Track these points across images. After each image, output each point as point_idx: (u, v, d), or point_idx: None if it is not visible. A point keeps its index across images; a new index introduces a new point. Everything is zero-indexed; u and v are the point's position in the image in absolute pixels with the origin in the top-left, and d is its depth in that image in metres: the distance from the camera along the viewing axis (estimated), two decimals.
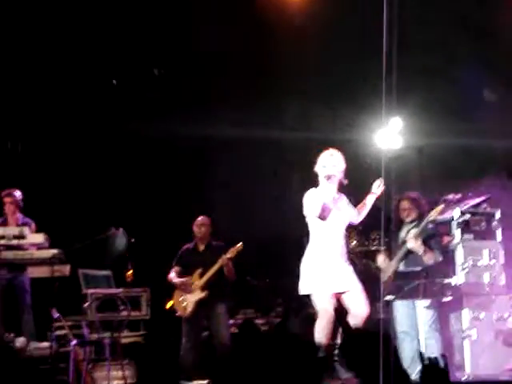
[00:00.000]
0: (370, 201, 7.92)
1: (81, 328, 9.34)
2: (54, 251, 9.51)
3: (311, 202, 7.54)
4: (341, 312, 7.74)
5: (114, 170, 11.60)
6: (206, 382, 8.92)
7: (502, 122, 10.75)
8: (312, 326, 7.58)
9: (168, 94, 11.71)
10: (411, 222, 8.53)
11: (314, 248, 7.63)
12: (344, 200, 7.72)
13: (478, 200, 8.97)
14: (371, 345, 7.27)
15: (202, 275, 9.34)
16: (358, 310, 7.52)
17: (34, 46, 10.99)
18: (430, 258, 8.27)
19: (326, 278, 7.48)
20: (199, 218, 9.60)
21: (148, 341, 9.86)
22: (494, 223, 8.54)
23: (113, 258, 10.49)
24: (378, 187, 7.88)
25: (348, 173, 7.64)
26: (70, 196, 11.41)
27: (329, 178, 7.46)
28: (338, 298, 7.55)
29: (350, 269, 7.62)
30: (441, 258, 8.38)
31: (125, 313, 9.32)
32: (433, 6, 11.01)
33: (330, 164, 7.53)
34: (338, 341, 7.57)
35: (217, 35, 11.35)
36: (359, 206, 7.94)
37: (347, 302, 7.53)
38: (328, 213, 7.45)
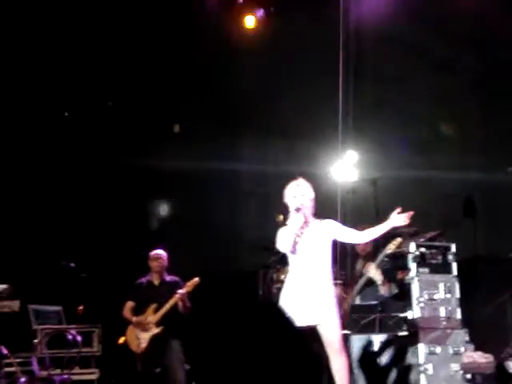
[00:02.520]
0: (383, 228, 7.42)
1: (30, 365, 9.15)
2: (3, 286, 9.31)
3: (282, 237, 7.39)
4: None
5: (66, 203, 11.45)
6: None
7: (456, 155, 10.84)
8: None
9: (123, 126, 11.62)
10: (366, 255, 8.50)
11: (287, 279, 7.49)
12: (318, 227, 7.45)
13: (433, 233, 8.97)
14: None
15: (156, 310, 9.21)
16: (328, 343, 7.28)
17: None
18: (386, 290, 8.26)
19: (289, 310, 7.32)
20: (154, 252, 9.48)
21: (101, 378, 9.69)
22: (450, 257, 8.52)
23: None
24: (400, 220, 7.36)
25: None
26: (20, 229, 11.22)
27: (298, 210, 7.32)
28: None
29: (324, 301, 7.26)
30: (396, 291, 8.35)
31: (76, 349, 9.16)
32: (390, 41, 11.09)
33: (299, 194, 7.41)
34: None
35: (174, 69, 11.36)
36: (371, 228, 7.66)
37: (321, 334, 7.35)
38: (295, 246, 7.31)
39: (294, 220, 7.30)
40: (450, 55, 10.94)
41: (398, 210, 7.35)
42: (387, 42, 11.04)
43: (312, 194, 7.45)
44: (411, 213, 7.34)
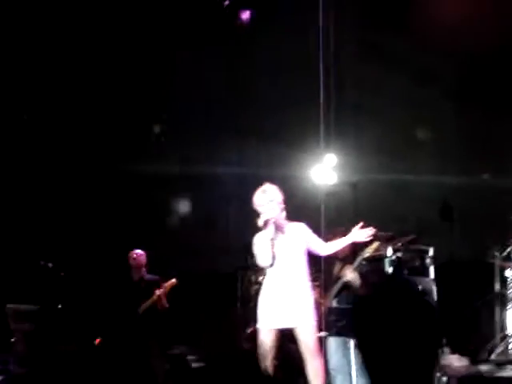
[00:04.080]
0: (345, 242, 7.64)
1: (8, 363, 9.13)
2: None
3: (258, 252, 7.41)
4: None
5: (46, 203, 11.40)
6: None
7: (434, 160, 10.95)
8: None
9: (103, 127, 11.60)
10: (344, 258, 8.53)
11: (265, 281, 7.52)
12: (292, 231, 7.48)
13: (409, 237, 9.05)
14: None
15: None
16: (304, 346, 7.32)
17: None
18: (364, 293, 8.27)
19: (268, 312, 7.37)
20: (134, 251, 9.56)
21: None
22: (427, 260, 8.59)
23: None
24: (362, 235, 7.57)
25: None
26: None
27: (265, 224, 7.33)
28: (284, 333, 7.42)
29: (301, 303, 7.32)
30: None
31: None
32: (370, 47, 11.18)
33: (266, 200, 7.41)
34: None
35: (156, 72, 11.38)
36: (335, 239, 7.71)
37: (297, 337, 7.40)
38: (273, 258, 7.33)
39: (265, 234, 7.32)
40: (429, 63, 11.05)
41: (360, 224, 7.50)
42: (368, 49, 11.13)
43: (280, 198, 7.43)
44: (373, 230, 7.46)
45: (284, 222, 7.43)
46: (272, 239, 7.26)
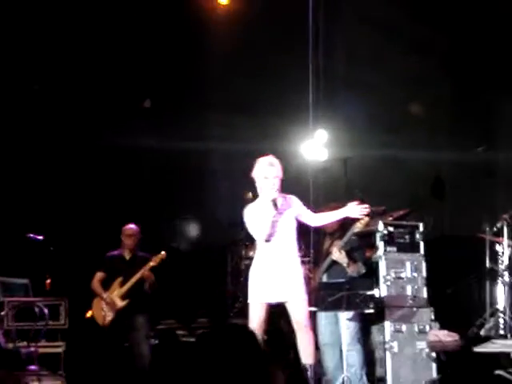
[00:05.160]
0: (338, 215, 7.67)
1: None
2: None
3: (255, 225, 7.37)
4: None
5: (34, 176, 11.33)
6: None
7: (426, 135, 10.91)
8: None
9: (90, 101, 11.51)
10: (334, 233, 8.49)
11: (255, 256, 7.52)
12: (287, 204, 7.46)
13: (401, 212, 9.01)
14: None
15: (122, 284, 9.18)
16: (295, 320, 7.37)
17: None
18: (353, 270, 8.24)
19: (258, 287, 7.36)
20: (129, 227, 9.39)
21: (67, 351, 9.64)
22: (417, 236, 8.56)
23: None
24: (355, 211, 7.57)
25: None
26: None
27: (274, 203, 7.29)
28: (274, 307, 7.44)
29: (292, 278, 7.35)
30: (364, 270, 8.36)
31: (42, 322, 9.10)
32: (363, 21, 11.10)
33: (272, 175, 7.35)
34: None
35: (144, 45, 11.30)
36: (326, 212, 7.73)
37: (288, 311, 7.41)
38: (273, 235, 7.32)
39: (267, 209, 7.28)
40: (422, 37, 10.98)
41: (357, 202, 7.50)
42: (360, 22, 11.05)
43: (281, 174, 7.44)
44: (368, 207, 7.43)
45: (281, 197, 7.41)
46: (275, 218, 7.25)
